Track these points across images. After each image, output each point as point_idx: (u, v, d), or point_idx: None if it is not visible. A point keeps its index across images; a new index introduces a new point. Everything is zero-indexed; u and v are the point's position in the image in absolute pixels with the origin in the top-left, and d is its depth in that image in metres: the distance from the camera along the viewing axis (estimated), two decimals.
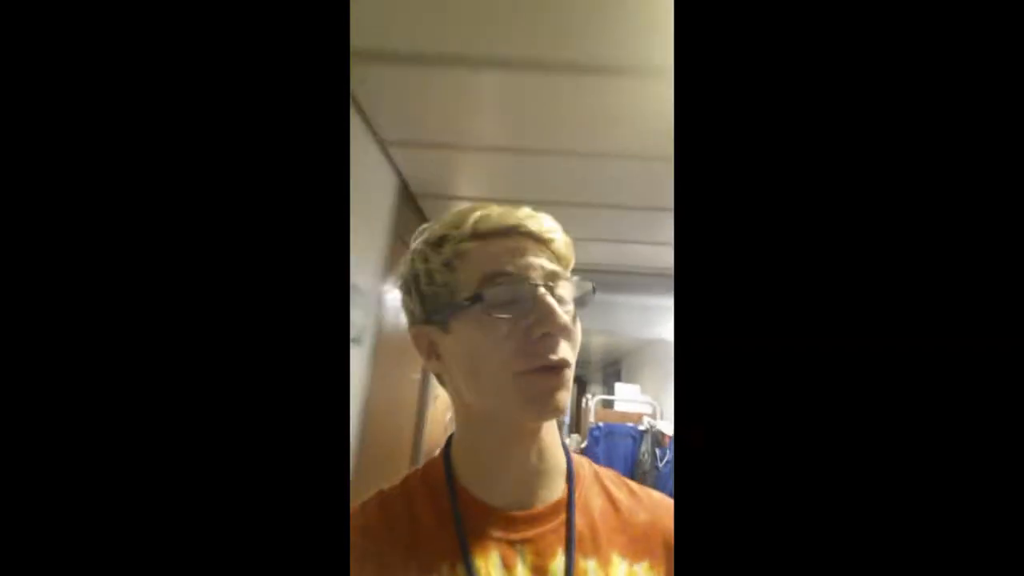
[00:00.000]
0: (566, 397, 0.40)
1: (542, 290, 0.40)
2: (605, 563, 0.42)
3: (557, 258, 0.43)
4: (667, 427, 3.43)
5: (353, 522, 0.43)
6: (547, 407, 0.40)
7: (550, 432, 0.46)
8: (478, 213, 0.43)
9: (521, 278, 0.40)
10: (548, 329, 0.39)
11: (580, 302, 0.44)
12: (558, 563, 0.41)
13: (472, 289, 0.41)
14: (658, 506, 0.47)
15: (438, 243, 0.44)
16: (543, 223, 0.43)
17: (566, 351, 0.40)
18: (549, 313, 0.39)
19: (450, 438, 0.48)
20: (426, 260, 0.44)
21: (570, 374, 0.40)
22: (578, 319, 0.43)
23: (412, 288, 0.45)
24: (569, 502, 0.44)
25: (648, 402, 4.03)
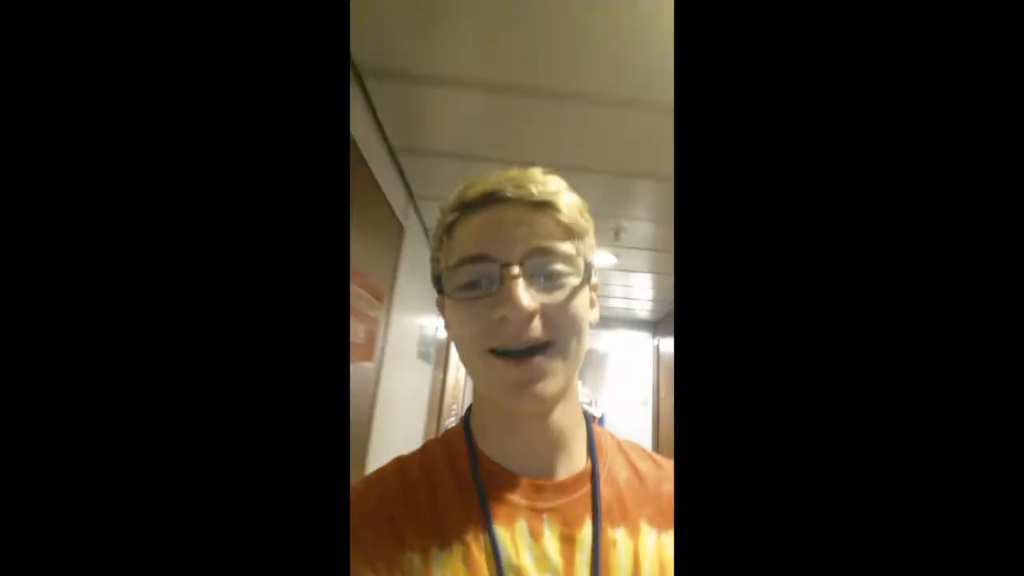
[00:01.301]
0: (540, 387, 0.37)
1: (508, 271, 0.37)
2: (634, 532, 0.40)
3: (559, 225, 0.39)
4: (597, 412, 5.21)
5: (370, 488, 0.41)
6: (520, 397, 0.37)
7: (565, 403, 0.42)
8: (468, 181, 0.42)
9: (489, 259, 0.38)
10: (505, 314, 0.36)
11: (576, 274, 0.39)
12: (586, 531, 0.39)
13: (449, 268, 0.40)
14: None
15: (441, 212, 0.43)
16: (531, 188, 0.39)
17: (536, 332, 0.37)
18: (508, 297, 0.36)
19: (471, 406, 0.46)
20: (436, 232, 0.44)
21: (547, 360, 0.38)
22: (582, 293, 0.40)
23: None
24: (593, 472, 0.42)
25: (587, 393, 5.21)
